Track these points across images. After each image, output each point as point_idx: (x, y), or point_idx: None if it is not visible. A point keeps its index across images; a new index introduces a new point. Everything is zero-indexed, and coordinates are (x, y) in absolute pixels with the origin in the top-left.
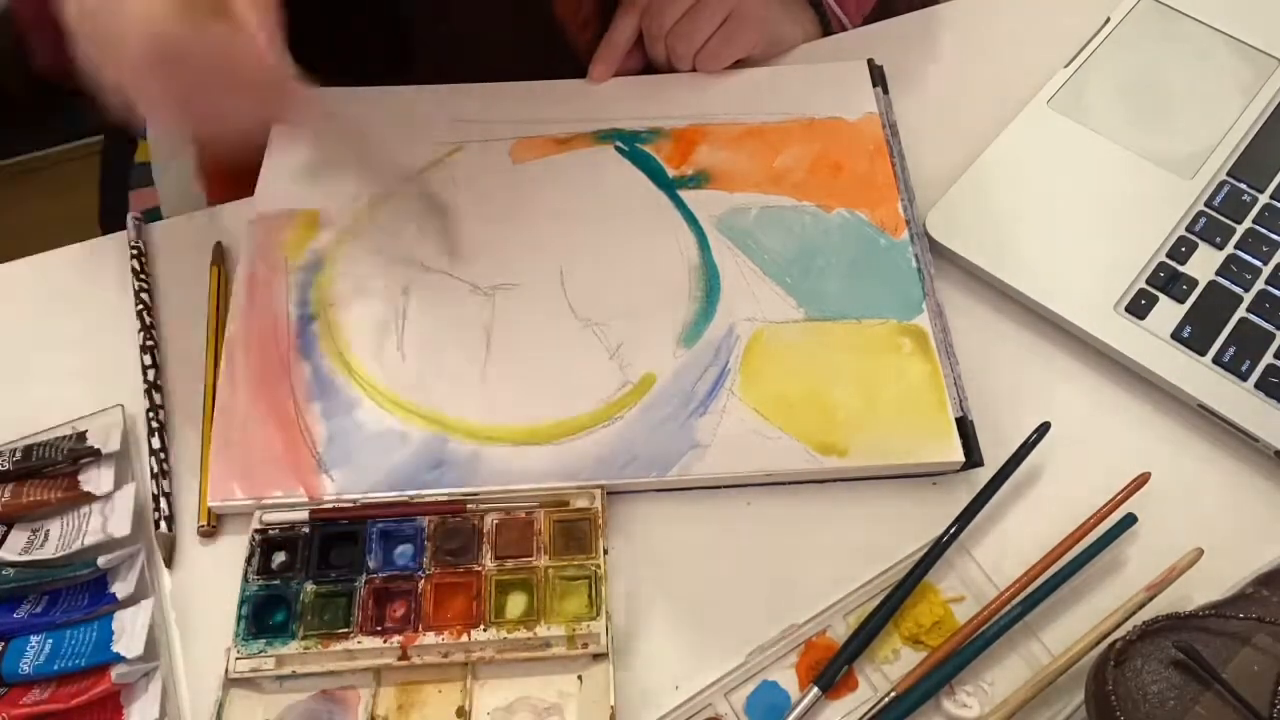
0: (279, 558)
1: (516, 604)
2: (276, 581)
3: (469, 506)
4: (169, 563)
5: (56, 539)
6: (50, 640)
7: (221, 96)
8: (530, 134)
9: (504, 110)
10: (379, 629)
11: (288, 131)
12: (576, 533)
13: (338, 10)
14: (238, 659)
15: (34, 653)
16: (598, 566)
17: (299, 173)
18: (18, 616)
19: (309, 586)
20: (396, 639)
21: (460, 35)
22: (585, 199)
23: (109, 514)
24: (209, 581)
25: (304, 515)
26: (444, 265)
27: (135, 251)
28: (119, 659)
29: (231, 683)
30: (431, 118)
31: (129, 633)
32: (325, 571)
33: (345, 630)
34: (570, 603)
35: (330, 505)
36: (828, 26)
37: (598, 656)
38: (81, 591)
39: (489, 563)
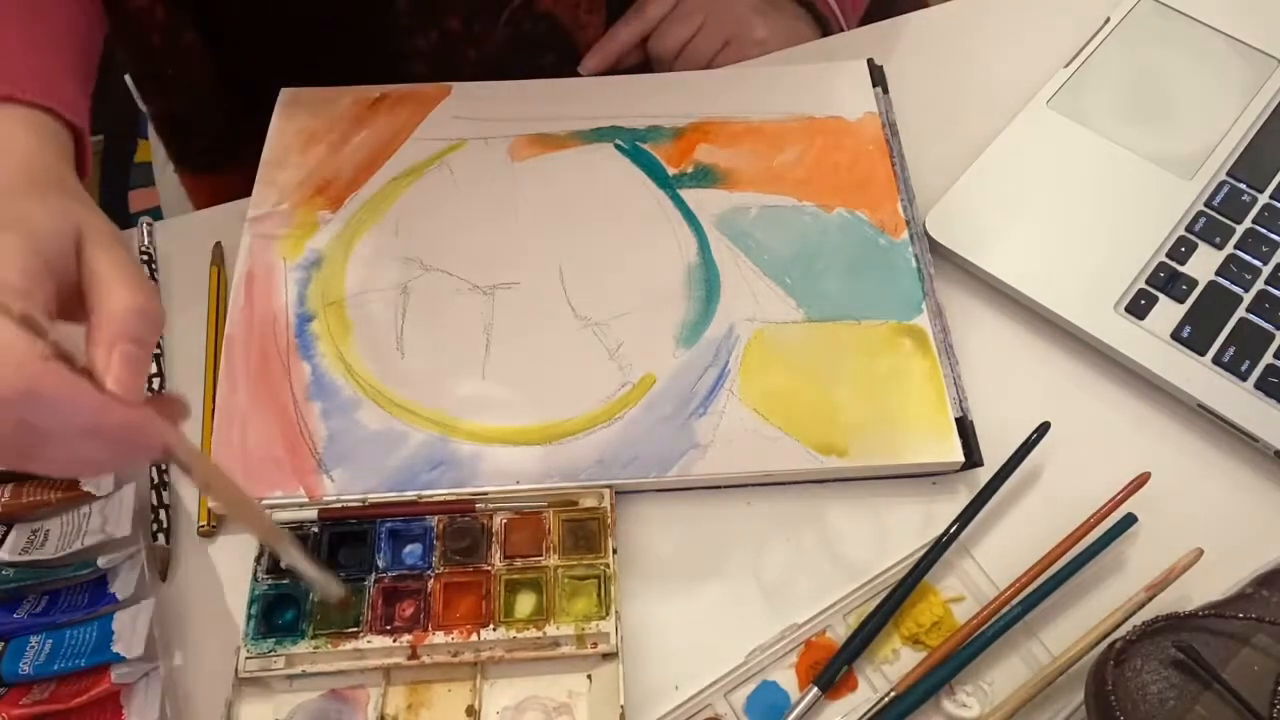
0: None
1: (526, 603)
2: (286, 581)
3: (478, 506)
4: (164, 576)
5: (56, 539)
6: (50, 640)
7: (75, 444)
8: (529, 131)
9: (504, 107)
10: (388, 628)
11: (283, 129)
12: (585, 532)
13: (329, 15)
14: (247, 658)
15: (34, 653)
16: (607, 566)
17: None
18: (18, 616)
19: None
20: (406, 638)
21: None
22: (585, 197)
23: (109, 514)
24: (209, 581)
25: (313, 514)
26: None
27: (145, 257)
28: (119, 659)
29: (241, 682)
30: (430, 114)
31: (129, 633)
32: (334, 571)
33: (355, 629)
34: (579, 602)
35: (339, 505)
36: (827, 31)
37: (607, 656)
38: (81, 591)
39: (498, 562)
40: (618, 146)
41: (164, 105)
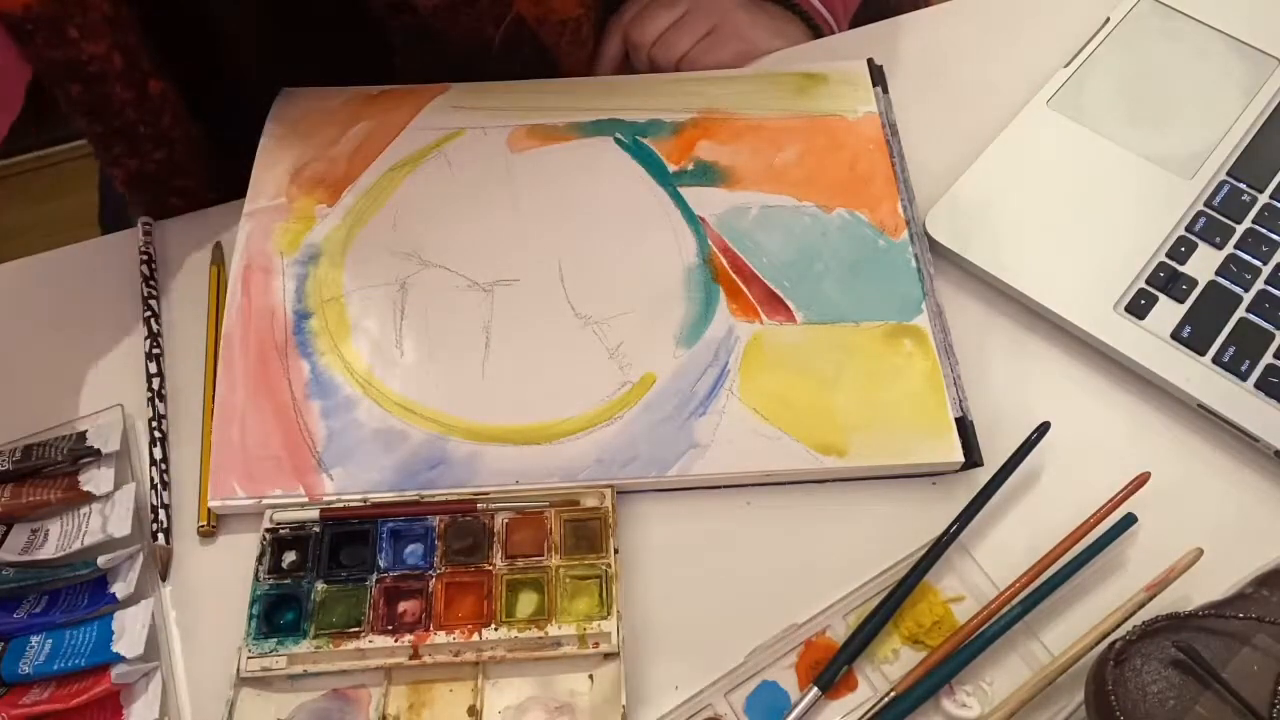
0: (289, 557)
1: (527, 603)
2: (288, 581)
3: (479, 506)
4: (164, 576)
5: (56, 539)
6: (50, 640)
7: None
8: (529, 122)
9: (504, 98)
10: (390, 628)
11: (279, 123)
12: (587, 532)
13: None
14: (249, 658)
15: (34, 653)
16: (608, 566)
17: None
18: (18, 616)
19: (320, 585)
20: (408, 638)
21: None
22: (584, 191)
23: (109, 514)
24: (209, 581)
25: (314, 514)
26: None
27: (145, 257)
28: (119, 659)
29: (243, 682)
30: (430, 104)
31: (129, 633)
32: (336, 571)
33: (356, 629)
34: (581, 602)
35: (341, 505)
36: (818, 33)
37: (609, 656)
38: (81, 591)
39: (500, 562)
40: (617, 140)
41: (136, 167)
